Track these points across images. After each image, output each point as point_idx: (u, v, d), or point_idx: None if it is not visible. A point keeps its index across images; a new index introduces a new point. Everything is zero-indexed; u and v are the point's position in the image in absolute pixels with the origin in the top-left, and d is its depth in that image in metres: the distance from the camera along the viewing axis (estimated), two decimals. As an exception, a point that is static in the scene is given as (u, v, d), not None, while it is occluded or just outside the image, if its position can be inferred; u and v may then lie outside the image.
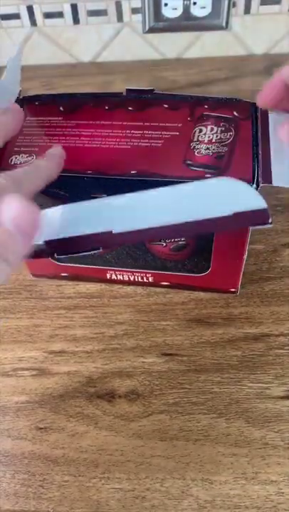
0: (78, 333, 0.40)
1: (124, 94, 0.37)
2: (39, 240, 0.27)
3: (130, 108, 0.36)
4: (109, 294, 0.42)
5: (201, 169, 0.32)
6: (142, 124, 0.35)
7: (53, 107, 0.37)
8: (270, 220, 0.26)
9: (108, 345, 0.39)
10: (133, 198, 0.28)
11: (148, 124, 0.35)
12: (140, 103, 0.36)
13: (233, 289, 0.41)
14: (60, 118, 0.36)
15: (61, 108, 0.36)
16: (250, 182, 0.31)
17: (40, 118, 0.36)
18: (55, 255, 0.27)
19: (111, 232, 0.27)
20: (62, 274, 0.42)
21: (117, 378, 0.37)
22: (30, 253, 0.26)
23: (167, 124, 0.35)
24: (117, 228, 0.27)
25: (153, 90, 0.37)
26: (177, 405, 0.35)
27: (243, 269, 0.38)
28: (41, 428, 0.35)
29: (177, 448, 0.34)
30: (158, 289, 0.42)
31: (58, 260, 0.41)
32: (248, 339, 0.38)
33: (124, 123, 0.35)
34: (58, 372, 0.38)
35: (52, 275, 0.43)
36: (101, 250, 0.27)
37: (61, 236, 0.27)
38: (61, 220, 0.27)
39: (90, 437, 0.34)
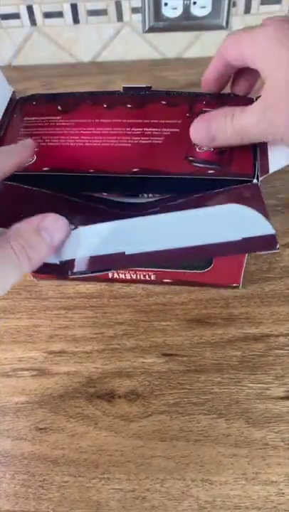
0: (78, 333, 0.40)
1: (121, 91, 0.37)
2: (55, 260, 0.28)
3: (129, 105, 0.36)
4: (108, 294, 0.42)
5: (203, 165, 0.32)
6: (141, 121, 0.35)
7: (51, 107, 0.37)
8: (277, 246, 0.26)
9: (108, 345, 0.39)
10: (145, 221, 0.28)
11: (147, 121, 0.35)
12: (139, 100, 0.36)
13: (235, 284, 0.41)
14: (58, 117, 0.36)
15: (59, 107, 0.36)
16: (252, 177, 0.31)
17: (38, 118, 0.36)
18: (69, 274, 0.28)
19: (123, 253, 0.28)
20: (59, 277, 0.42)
21: (116, 378, 0.37)
22: (43, 269, 0.28)
23: (167, 121, 0.34)
24: (129, 250, 0.28)
25: (150, 87, 0.37)
26: (177, 406, 0.35)
27: (245, 264, 0.38)
28: (41, 428, 0.35)
29: (177, 448, 0.34)
30: (158, 289, 0.42)
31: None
32: (248, 339, 0.38)
33: (124, 120, 0.35)
34: (57, 372, 0.38)
35: (54, 277, 0.43)
36: (113, 270, 0.28)
37: (76, 256, 0.28)
38: (76, 241, 0.28)
39: (90, 438, 0.34)
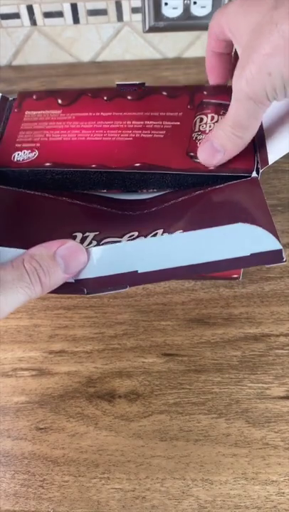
0: (78, 333, 0.40)
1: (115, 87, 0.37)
2: (70, 279, 0.29)
3: (129, 97, 0.36)
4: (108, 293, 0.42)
5: None
6: (142, 113, 0.35)
7: (51, 100, 0.36)
8: (284, 260, 0.28)
9: (108, 345, 0.39)
10: (157, 241, 0.29)
11: (148, 113, 0.35)
12: (139, 92, 0.36)
13: (235, 275, 0.41)
14: (59, 111, 0.35)
15: (59, 101, 0.36)
16: (251, 171, 0.31)
17: (39, 112, 0.36)
18: (85, 293, 0.29)
19: (136, 271, 0.28)
20: None
21: (117, 378, 0.37)
22: (58, 288, 0.28)
23: (168, 113, 0.34)
24: (141, 268, 0.28)
25: (144, 84, 0.37)
26: (177, 405, 0.35)
27: None
28: (41, 428, 0.35)
29: (177, 448, 0.34)
30: (158, 289, 0.42)
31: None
32: (248, 339, 0.38)
33: (125, 113, 0.35)
34: (57, 372, 0.38)
35: None
36: (127, 288, 0.29)
37: (91, 276, 0.29)
38: (90, 260, 0.29)
39: (90, 437, 0.34)
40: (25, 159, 0.33)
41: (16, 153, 0.33)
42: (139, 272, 0.28)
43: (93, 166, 0.33)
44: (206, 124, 0.34)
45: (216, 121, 0.33)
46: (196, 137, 0.33)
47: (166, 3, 0.58)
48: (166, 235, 0.30)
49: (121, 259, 0.29)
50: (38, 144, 0.34)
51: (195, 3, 0.58)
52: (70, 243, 0.28)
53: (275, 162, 0.32)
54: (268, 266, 0.29)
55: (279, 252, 0.28)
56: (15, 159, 0.33)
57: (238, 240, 0.28)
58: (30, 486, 0.33)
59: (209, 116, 0.34)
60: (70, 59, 0.66)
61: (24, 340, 0.40)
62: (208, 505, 0.31)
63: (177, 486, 0.32)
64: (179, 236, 0.29)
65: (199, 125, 0.34)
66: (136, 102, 0.35)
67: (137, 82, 0.37)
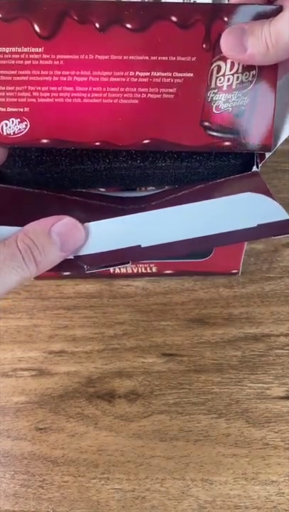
0: (78, 333, 0.40)
1: None
2: (70, 256, 0.27)
3: (129, 26, 0.27)
4: (108, 294, 0.42)
5: (218, 134, 0.28)
6: (147, 58, 0.27)
7: (24, 24, 0.27)
8: None
9: (108, 345, 0.39)
10: (160, 213, 0.28)
11: (155, 57, 0.28)
12: (142, 17, 0.27)
13: (234, 271, 0.41)
14: (40, 49, 0.27)
15: (36, 27, 0.27)
16: (270, 149, 0.29)
17: (13, 48, 0.28)
18: (86, 270, 0.27)
19: (139, 246, 0.27)
20: (65, 274, 0.42)
21: (116, 378, 0.37)
22: (57, 266, 0.27)
23: (178, 58, 0.28)
24: (144, 243, 0.27)
25: None
26: (177, 405, 0.35)
27: (244, 250, 0.38)
28: (41, 428, 0.35)
29: (177, 448, 0.34)
30: (158, 289, 0.42)
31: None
32: (248, 339, 0.38)
33: (126, 57, 0.28)
34: (57, 372, 0.38)
35: (53, 275, 0.43)
36: (130, 264, 0.28)
37: (91, 252, 0.27)
38: (90, 236, 0.27)
39: (90, 438, 0.34)
40: (16, 132, 0.29)
41: (4, 123, 0.28)
42: (142, 246, 0.27)
43: (97, 143, 0.28)
44: (224, 76, 0.28)
45: (237, 71, 0.27)
46: (212, 98, 0.28)
47: (166, 3, 0.58)
48: (169, 208, 0.28)
49: (123, 234, 0.27)
50: (26, 109, 0.28)
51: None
52: (66, 219, 0.26)
53: (275, 162, 0.32)
54: (275, 238, 0.28)
55: (286, 222, 0.27)
56: (4, 132, 0.28)
57: (244, 211, 0.27)
58: (30, 487, 0.33)
59: (228, 62, 0.27)
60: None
61: (24, 341, 0.40)
62: (208, 506, 0.31)
63: (177, 486, 0.32)
64: (184, 208, 0.28)
65: (216, 77, 0.28)
66: (138, 34, 0.27)
67: None
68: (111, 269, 0.41)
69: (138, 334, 0.39)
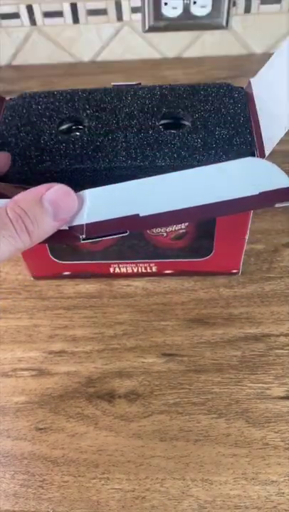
0: (78, 333, 0.40)
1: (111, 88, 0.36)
2: (64, 226, 0.26)
3: None
4: (108, 294, 0.42)
5: None
6: None
7: None
8: None
9: (108, 345, 0.39)
10: (158, 181, 0.27)
11: None
12: None
13: (235, 270, 0.41)
14: None
15: None
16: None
17: None
18: (81, 240, 0.26)
19: (137, 215, 0.26)
20: (65, 273, 0.42)
21: (116, 378, 0.37)
22: (51, 238, 0.26)
23: None
24: (143, 212, 0.26)
25: (139, 84, 0.36)
26: (177, 405, 0.35)
27: (244, 249, 0.38)
28: (41, 428, 0.35)
29: (177, 448, 0.34)
30: (158, 289, 0.42)
31: (60, 258, 0.40)
32: (248, 339, 0.38)
33: None
34: (57, 372, 0.38)
35: (53, 275, 0.43)
36: (128, 233, 0.26)
37: (87, 221, 0.26)
38: (86, 204, 0.26)
39: (90, 438, 0.34)
40: None
41: None
42: (140, 215, 0.26)
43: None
44: None
45: None
46: None
47: (165, 3, 0.58)
48: (168, 174, 0.27)
49: (120, 202, 0.26)
50: None
51: (195, 2, 0.58)
52: (57, 186, 0.25)
53: (275, 162, 0.32)
54: (279, 205, 0.27)
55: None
56: None
57: (246, 177, 0.26)
58: (30, 486, 0.33)
59: None
60: (70, 59, 0.66)
61: (24, 341, 0.40)
62: (208, 506, 0.31)
63: (177, 486, 0.32)
64: (184, 174, 0.27)
65: None
66: None
67: (133, 83, 0.37)
68: (111, 269, 0.41)
69: (138, 334, 0.39)
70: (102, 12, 0.60)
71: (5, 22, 0.62)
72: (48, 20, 0.61)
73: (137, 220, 0.26)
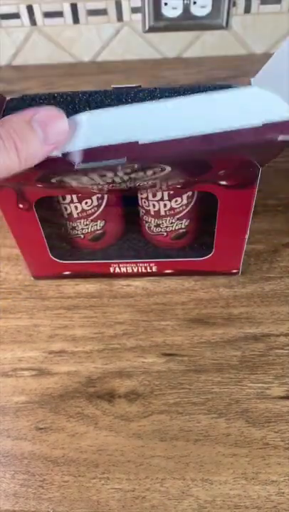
0: (78, 333, 0.40)
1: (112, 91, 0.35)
2: (57, 153, 0.25)
3: None
4: (108, 294, 0.42)
5: None
6: None
7: None
8: None
9: (108, 345, 0.39)
10: (160, 106, 0.26)
11: None
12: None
13: (235, 270, 0.41)
14: None
15: None
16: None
17: None
18: (75, 167, 0.25)
19: (137, 142, 0.25)
20: (65, 273, 0.42)
21: (116, 378, 0.37)
22: (43, 164, 0.25)
23: None
24: (143, 138, 0.25)
25: (140, 86, 0.36)
26: (177, 405, 0.35)
27: (244, 249, 0.38)
28: (41, 428, 0.35)
29: (177, 448, 0.34)
30: (158, 289, 0.42)
31: (60, 257, 0.40)
32: (248, 339, 0.38)
33: None
34: (57, 372, 0.38)
35: (53, 275, 0.43)
36: (125, 161, 0.25)
37: (82, 147, 0.25)
38: (81, 129, 0.25)
39: (90, 437, 0.34)
40: None
41: None
42: (140, 142, 0.25)
43: None
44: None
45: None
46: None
47: (165, 3, 0.58)
48: (170, 100, 0.26)
49: (118, 127, 0.25)
50: None
51: (195, 3, 0.58)
52: (47, 107, 0.24)
53: (275, 161, 0.32)
54: (281, 139, 0.26)
55: None
56: None
57: (250, 107, 0.25)
58: (30, 486, 0.33)
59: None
60: (70, 59, 0.66)
61: (24, 340, 0.40)
62: (208, 505, 0.31)
63: (177, 486, 0.32)
64: (187, 101, 0.26)
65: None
66: None
67: (133, 85, 0.36)
68: (110, 269, 0.41)
69: (138, 334, 0.39)
70: (102, 12, 0.60)
71: (5, 22, 0.62)
72: (48, 21, 0.61)
73: (136, 147, 0.25)
